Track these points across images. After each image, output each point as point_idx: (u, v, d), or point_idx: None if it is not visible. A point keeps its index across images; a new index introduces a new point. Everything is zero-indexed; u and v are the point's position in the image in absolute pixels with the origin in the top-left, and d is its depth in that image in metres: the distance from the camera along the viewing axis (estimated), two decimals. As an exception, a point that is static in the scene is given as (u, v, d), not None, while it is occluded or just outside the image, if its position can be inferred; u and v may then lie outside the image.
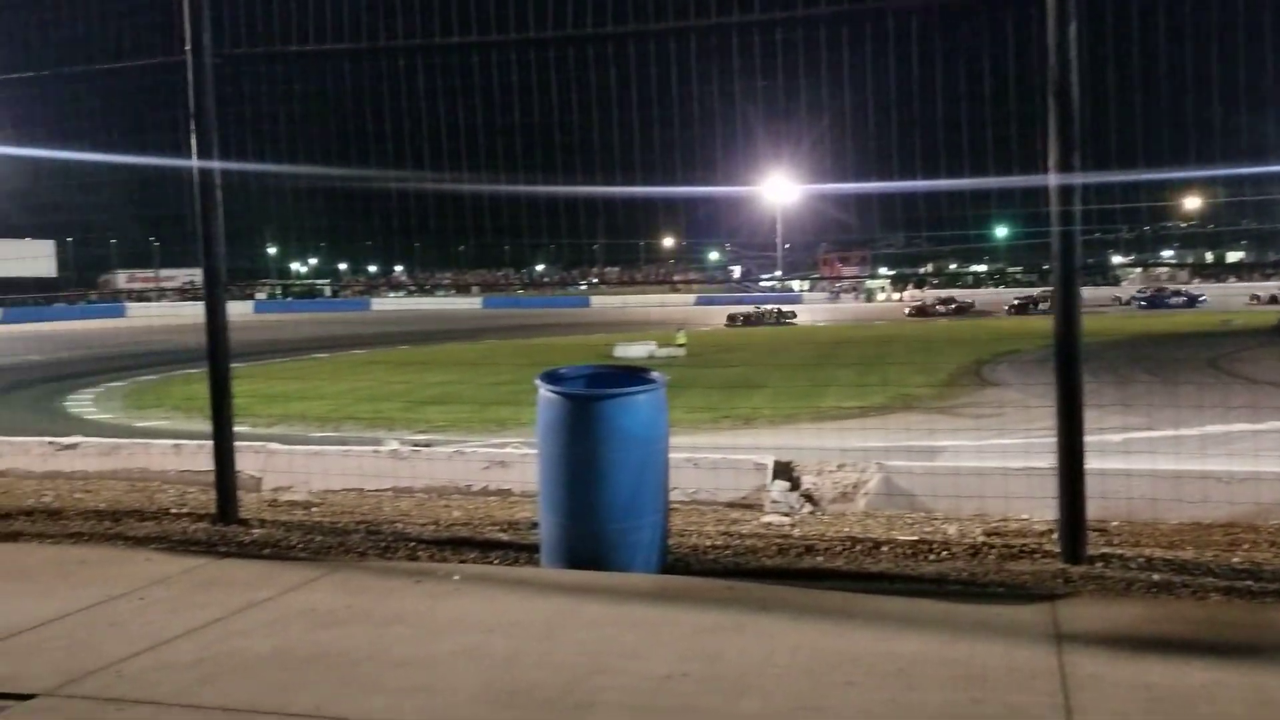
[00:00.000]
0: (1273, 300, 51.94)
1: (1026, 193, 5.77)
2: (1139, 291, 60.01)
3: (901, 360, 28.88)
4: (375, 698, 3.34)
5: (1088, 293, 5.35)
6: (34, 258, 74.43)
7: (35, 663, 3.75)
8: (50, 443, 8.39)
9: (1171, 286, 61.52)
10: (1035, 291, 51.78)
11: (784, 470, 6.93)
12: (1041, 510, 5.65)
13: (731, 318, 57.35)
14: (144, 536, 5.80)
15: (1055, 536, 5.05)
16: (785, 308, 58.75)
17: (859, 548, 5.36)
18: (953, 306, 57.30)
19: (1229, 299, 54.34)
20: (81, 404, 28.88)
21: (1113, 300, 56.56)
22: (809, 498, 6.81)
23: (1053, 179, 4.84)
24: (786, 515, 6.35)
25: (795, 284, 79.18)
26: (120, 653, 3.81)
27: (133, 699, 3.38)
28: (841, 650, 3.72)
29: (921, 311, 56.40)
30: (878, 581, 4.76)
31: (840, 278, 79.19)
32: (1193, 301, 56.84)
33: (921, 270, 78.15)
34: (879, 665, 3.56)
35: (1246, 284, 61.51)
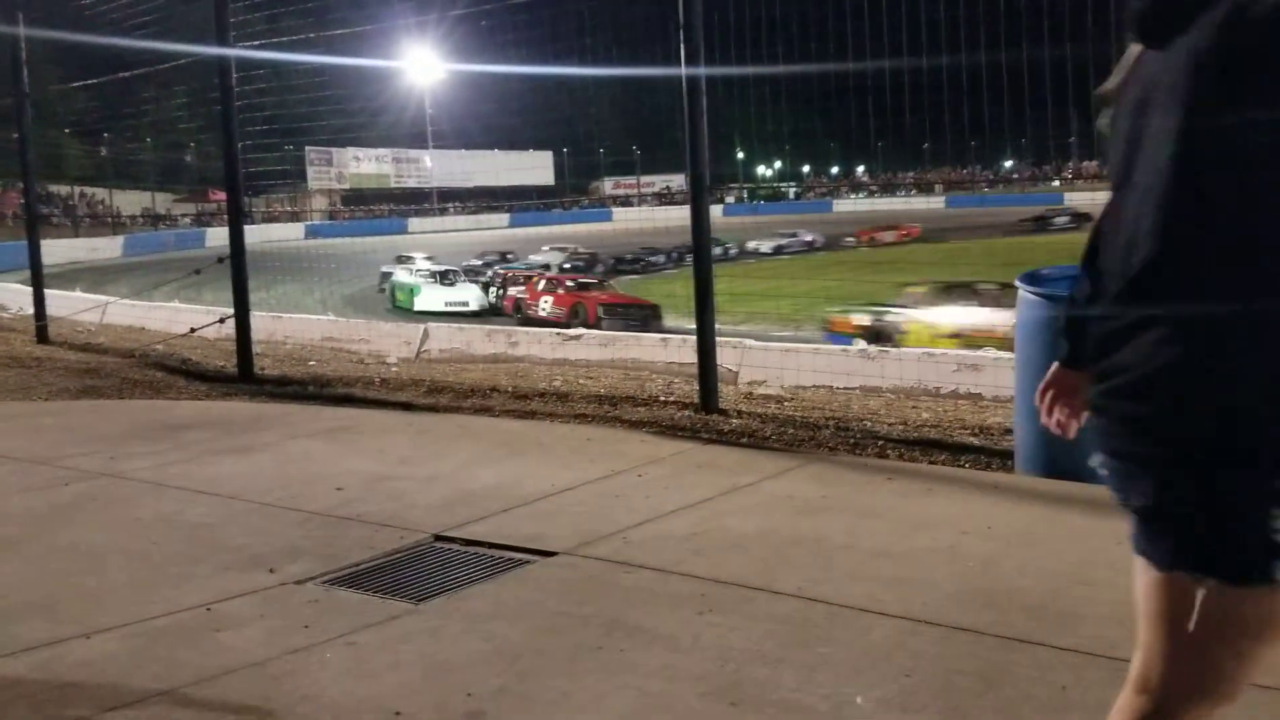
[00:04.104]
0: None
1: None
2: None
3: None
4: (855, 585, 3.48)
5: None
6: (535, 168, 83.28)
7: (557, 525, 4.28)
8: (558, 333, 9.43)
9: None
10: None
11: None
12: None
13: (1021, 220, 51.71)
14: (638, 420, 6.38)
15: None
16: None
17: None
18: None
19: None
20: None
21: None
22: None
23: None
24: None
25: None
26: (625, 521, 4.26)
27: (638, 564, 3.78)
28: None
29: None
30: None
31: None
32: None
33: None
34: None
35: None
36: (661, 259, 40.37)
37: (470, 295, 30.16)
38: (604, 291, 27.83)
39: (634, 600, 3.45)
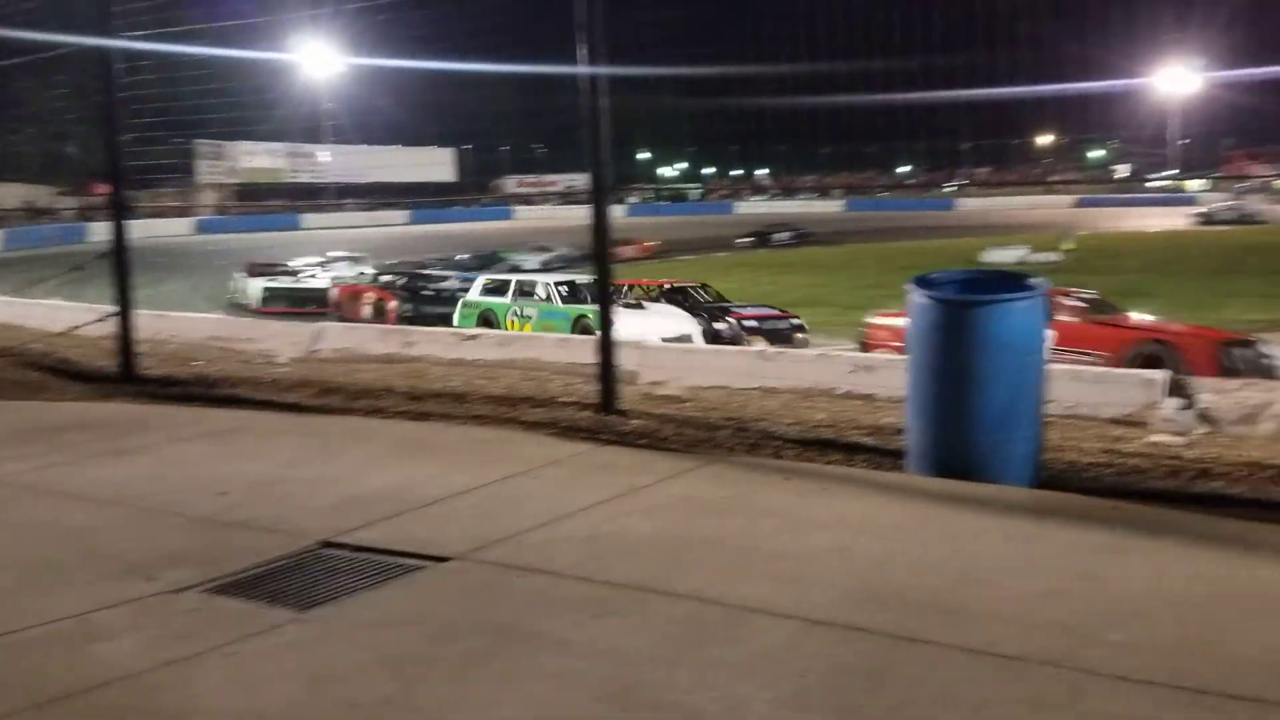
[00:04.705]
0: None
1: None
2: None
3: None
4: (752, 585, 3.48)
5: None
6: (436, 164, 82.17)
7: (450, 529, 4.20)
8: (454, 333, 9.31)
9: None
10: None
11: (1178, 387, 6.40)
12: None
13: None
14: (536, 421, 6.31)
15: None
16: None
17: (1265, 474, 4.88)
18: None
19: None
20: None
21: None
22: (1205, 418, 6.25)
23: None
24: (1179, 435, 5.88)
25: (1192, 185, 71.66)
26: (521, 525, 4.20)
27: (534, 568, 3.73)
28: (1243, 582, 3.43)
29: None
30: (1287, 512, 4.32)
31: (1246, 177, 70.47)
32: None
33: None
34: (1290, 602, 3.25)
35: None
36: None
37: (689, 325, 19.07)
38: (1165, 320, 15.62)
39: (528, 605, 3.40)
